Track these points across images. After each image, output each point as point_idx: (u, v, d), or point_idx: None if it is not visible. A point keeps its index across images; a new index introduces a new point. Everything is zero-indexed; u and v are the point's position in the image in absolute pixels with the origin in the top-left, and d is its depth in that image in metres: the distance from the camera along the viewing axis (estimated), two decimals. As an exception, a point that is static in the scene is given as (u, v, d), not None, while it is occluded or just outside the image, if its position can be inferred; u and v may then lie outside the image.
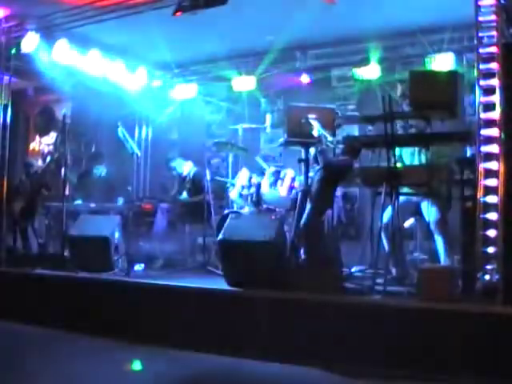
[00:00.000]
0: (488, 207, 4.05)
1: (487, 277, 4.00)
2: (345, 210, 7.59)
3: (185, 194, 7.18)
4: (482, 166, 4.09)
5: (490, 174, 4.07)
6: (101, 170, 7.74)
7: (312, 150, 5.08)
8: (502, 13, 4.38)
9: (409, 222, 5.62)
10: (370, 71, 7.34)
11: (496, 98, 4.07)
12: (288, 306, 4.29)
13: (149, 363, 4.18)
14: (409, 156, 5.31)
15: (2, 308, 5.51)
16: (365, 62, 7.32)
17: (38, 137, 8.63)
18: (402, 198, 4.69)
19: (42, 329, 5.08)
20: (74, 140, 8.56)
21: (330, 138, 4.77)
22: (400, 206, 4.58)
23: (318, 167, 4.91)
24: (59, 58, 7.01)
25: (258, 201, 6.05)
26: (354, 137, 5.16)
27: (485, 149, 4.11)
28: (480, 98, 4.18)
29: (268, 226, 4.74)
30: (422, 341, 3.74)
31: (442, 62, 6.76)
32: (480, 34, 4.26)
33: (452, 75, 4.83)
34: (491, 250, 4.00)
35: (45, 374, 3.88)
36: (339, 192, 6.39)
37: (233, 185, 6.37)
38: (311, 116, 4.93)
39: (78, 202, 7.18)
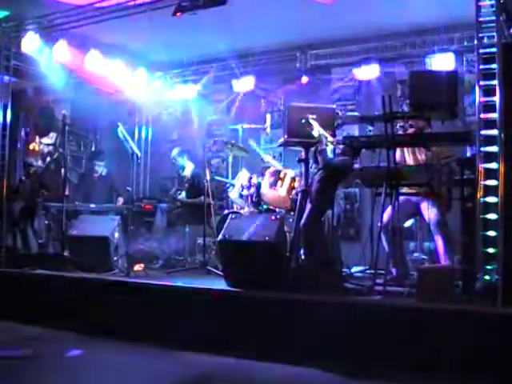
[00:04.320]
0: (488, 207, 4.04)
1: (487, 277, 4.00)
2: (345, 210, 7.61)
3: (184, 194, 7.19)
4: (482, 166, 4.09)
5: (490, 174, 4.06)
6: (101, 170, 7.74)
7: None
8: (502, 13, 4.39)
9: (409, 222, 5.63)
10: (370, 71, 7.35)
11: (496, 98, 4.07)
12: (288, 306, 4.29)
13: (149, 363, 4.18)
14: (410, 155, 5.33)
15: (2, 308, 5.51)
16: (365, 62, 7.33)
17: (37, 137, 8.62)
18: (401, 198, 4.70)
19: (42, 329, 5.08)
20: (73, 140, 8.58)
21: (330, 138, 4.76)
22: (400, 206, 4.59)
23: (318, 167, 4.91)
24: (59, 58, 7.01)
25: (257, 201, 6.05)
26: (354, 137, 5.15)
27: (485, 149, 4.11)
28: (480, 98, 4.18)
29: (268, 227, 4.74)
30: (421, 341, 3.74)
31: (442, 62, 6.77)
32: (480, 34, 4.26)
33: (452, 75, 4.83)
34: (491, 250, 4.00)
35: (45, 374, 3.87)
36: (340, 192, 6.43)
37: (232, 185, 6.37)
38: (311, 116, 4.93)
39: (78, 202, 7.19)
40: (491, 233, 4.01)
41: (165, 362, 4.20)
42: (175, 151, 7.46)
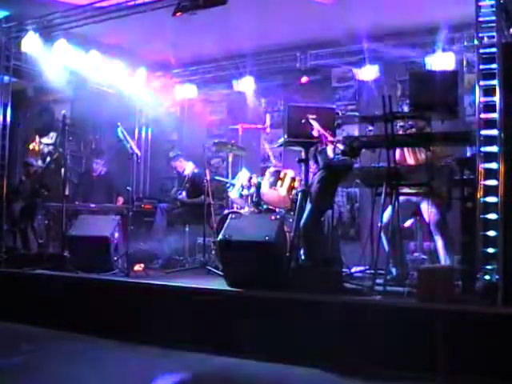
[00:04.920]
0: (488, 207, 4.04)
1: (487, 277, 4.00)
2: (345, 210, 7.61)
3: (184, 194, 7.19)
4: (482, 166, 4.09)
5: (490, 174, 4.06)
6: (100, 168, 7.76)
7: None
8: (501, 13, 4.38)
9: (409, 222, 5.62)
10: (370, 71, 7.34)
11: (496, 98, 4.07)
12: (288, 305, 4.29)
13: (149, 363, 4.18)
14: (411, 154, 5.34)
15: (2, 308, 5.51)
16: (365, 62, 7.33)
17: (37, 137, 8.63)
18: (401, 198, 4.70)
19: (42, 329, 5.08)
20: (73, 140, 8.57)
21: (330, 138, 4.76)
22: (400, 206, 4.59)
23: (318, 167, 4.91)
24: (59, 58, 7.01)
25: (258, 201, 6.05)
26: (354, 137, 5.15)
27: (485, 149, 4.11)
28: (480, 98, 4.18)
29: (268, 227, 4.74)
30: (421, 341, 3.74)
31: (442, 62, 6.76)
32: (480, 34, 4.26)
33: (452, 75, 4.83)
34: (491, 250, 4.00)
35: (45, 374, 3.87)
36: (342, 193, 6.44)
37: (233, 185, 6.37)
38: (311, 116, 4.93)
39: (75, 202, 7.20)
40: (491, 233, 4.01)
41: (165, 362, 4.20)
42: (170, 159, 7.48)
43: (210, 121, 8.85)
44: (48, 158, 7.50)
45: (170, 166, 7.63)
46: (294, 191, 5.79)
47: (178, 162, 7.45)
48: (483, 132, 4.14)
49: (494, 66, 4.12)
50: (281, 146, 5.78)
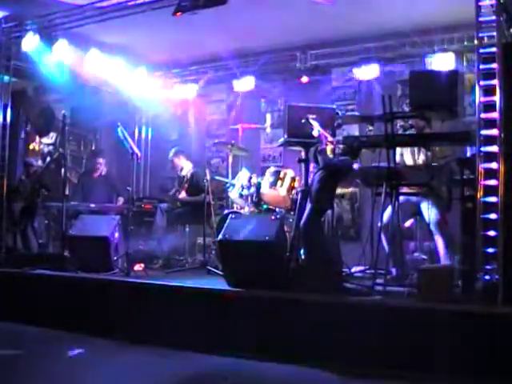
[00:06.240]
0: (488, 207, 4.04)
1: (487, 277, 4.00)
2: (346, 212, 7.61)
3: (183, 194, 7.19)
4: (482, 165, 4.09)
5: (490, 174, 4.06)
6: (102, 168, 7.76)
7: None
8: (501, 13, 4.39)
9: (409, 222, 5.63)
10: (370, 71, 7.34)
11: (496, 98, 4.07)
12: (288, 305, 4.29)
13: (149, 363, 4.18)
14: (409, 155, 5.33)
15: (2, 308, 5.51)
16: (365, 62, 7.33)
17: (37, 137, 8.63)
18: (401, 198, 4.70)
19: (41, 329, 5.08)
20: (73, 140, 8.58)
21: (330, 138, 4.76)
22: (400, 206, 4.59)
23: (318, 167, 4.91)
24: (59, 58, 7.00)
25: (258, 201, 6.05)
26: (354, 137, 5.15)
27: (485, 149, 4.11)
28: (480, 98, 4.18)
29: (268, 226, 4.74)
30: (422, 341, 3.74)
31: (442, 62, 6.76)
32: (480, 34, 4.26)
33: (452, 75, 4.83)
34: (491, 250, 4.00)
35: (44, 374, 3.87)
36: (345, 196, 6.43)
37: (233, 185, 6.38)
38: (311, 116, 4.93)
39: (75, 202, 7.20)
40: (491, 233, 4.01)
41: (165, 362, 4.20)
42: (171, 153, 7.48)
43: (209, 121, 8.85)
44: (48, 158, 7.49)
45: (170, 164, 7.62)
46: (293, 191, 5.80)
47: (177, 159, 7.43)
48: (483, 132, 4.14)
49: (494, 65, 4.12)
50: (281, 145, 5.78)
